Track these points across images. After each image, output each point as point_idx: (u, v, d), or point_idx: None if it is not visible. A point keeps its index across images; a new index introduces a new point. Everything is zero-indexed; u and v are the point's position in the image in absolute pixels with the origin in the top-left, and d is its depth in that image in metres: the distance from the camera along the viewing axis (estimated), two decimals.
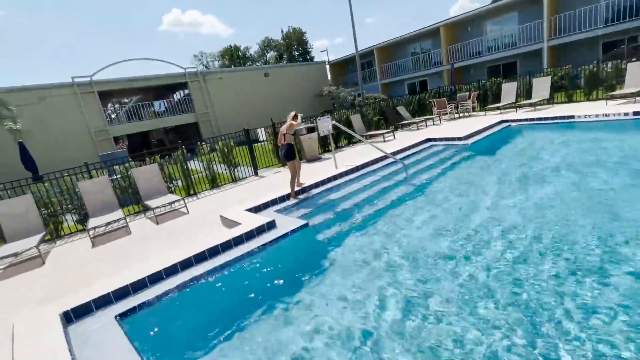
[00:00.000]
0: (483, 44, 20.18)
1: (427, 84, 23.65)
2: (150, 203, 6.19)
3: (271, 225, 4.52)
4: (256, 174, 9.03)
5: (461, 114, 13.13)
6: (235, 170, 8.78)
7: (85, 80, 17.77)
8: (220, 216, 5.19)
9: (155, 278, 3.53)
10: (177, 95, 23.82)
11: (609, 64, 10.40)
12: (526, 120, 9.13)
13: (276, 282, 3.77)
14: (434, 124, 12.18)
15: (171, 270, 3.65)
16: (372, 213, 5.09)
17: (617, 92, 8.97)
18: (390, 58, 25.74)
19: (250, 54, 57.97)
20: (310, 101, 27.05)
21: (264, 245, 4.13)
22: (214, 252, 3.99)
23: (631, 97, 8.85)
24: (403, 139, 9.73)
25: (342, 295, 3.23)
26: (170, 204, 6.32)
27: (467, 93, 13.51)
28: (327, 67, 29.48)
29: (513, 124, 9.32)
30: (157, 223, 5.97)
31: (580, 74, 11.13)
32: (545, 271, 3.04)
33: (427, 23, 24.85)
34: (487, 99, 13.48)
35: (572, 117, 7.98)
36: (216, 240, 4.12)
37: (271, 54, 55.61)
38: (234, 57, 54.88)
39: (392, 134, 10.56)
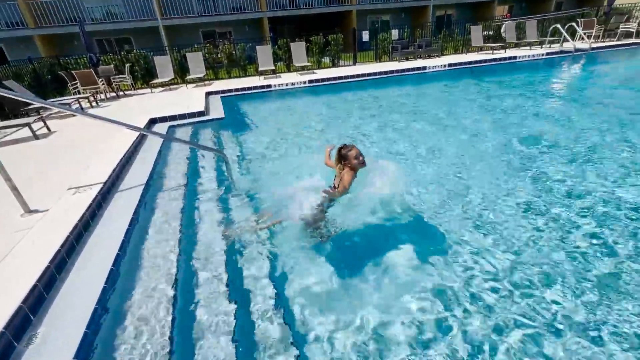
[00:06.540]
0: (82, 8, 16.18)
1: (4, 52, 15.77)
2: None
3: None
4: None
5: (118, 92, 10.13)
6: None
7: None
8: None
9: None
10: None
11: (238, 49, 12.12)
12: (225, 91, 8.86)
13: None
14: (90, 107, 8.44)
15: None
16: None
17: (261, 69, 10.80)
18: None
19: None
20: None
21: None
22: None
23: (273, 74, 11.08)
24: (78, 129, 5.93)
25: None
26: None
27: (111, 66, 10.54)
28: None
29: (219, 95, 8.65)
30: None
31: (221, 54, 12.18)
32: None
33: None
34: (135, 74, 11.29)
35: (270, 86, 8.86)
36: None
37: None
38: None
39: (42, 121, 6.04)
